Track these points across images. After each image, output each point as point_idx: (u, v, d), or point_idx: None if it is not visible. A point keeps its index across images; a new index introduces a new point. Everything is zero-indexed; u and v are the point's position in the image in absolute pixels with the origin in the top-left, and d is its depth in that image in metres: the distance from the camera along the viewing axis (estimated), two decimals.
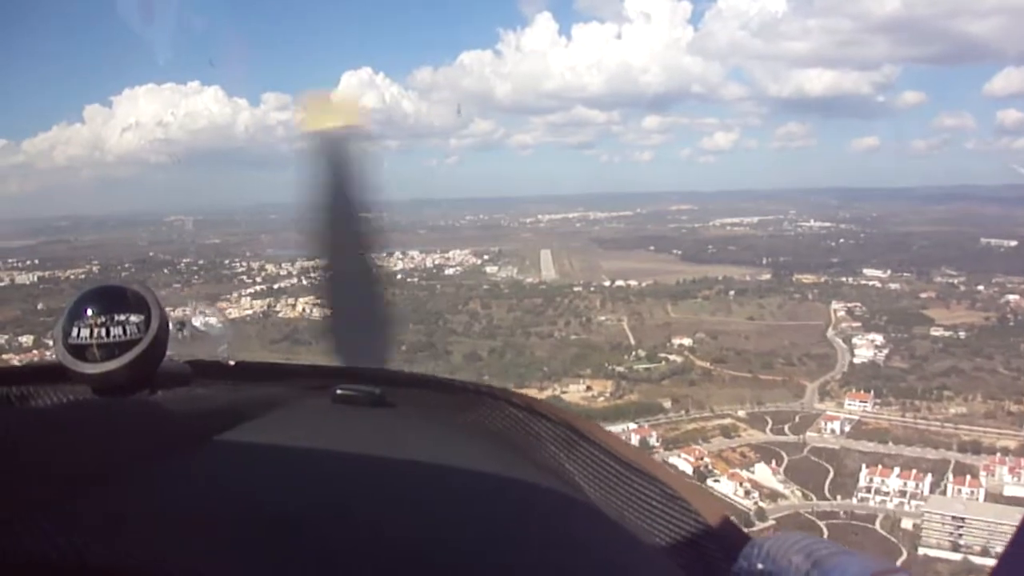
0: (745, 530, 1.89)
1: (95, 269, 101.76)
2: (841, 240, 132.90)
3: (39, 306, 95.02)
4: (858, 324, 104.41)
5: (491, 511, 1.84)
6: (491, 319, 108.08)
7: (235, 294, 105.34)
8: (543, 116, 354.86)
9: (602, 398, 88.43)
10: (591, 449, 2.13)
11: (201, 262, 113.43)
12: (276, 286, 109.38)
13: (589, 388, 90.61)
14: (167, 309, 2.38)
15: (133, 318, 2.22)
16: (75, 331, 2.18)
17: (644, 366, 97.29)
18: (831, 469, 78.13)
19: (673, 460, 74.07)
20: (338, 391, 2.40)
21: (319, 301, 4.70)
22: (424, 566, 1.50)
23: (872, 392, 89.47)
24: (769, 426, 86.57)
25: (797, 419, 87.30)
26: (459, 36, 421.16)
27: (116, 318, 2.20)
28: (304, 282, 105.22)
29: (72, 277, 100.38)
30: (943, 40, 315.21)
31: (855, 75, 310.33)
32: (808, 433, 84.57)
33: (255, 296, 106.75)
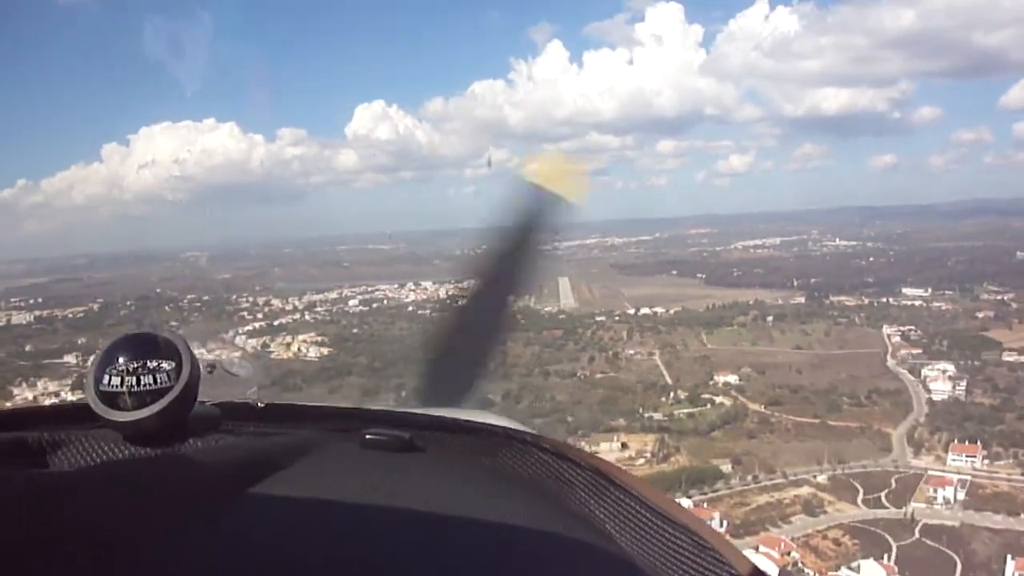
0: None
1: (95, 307, 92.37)
2: (871, 259, 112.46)
3: (27, 348, 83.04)
4: (919, 351, 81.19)
5: (522, 561, 1.65)
6: (506, 355, 77.08)
7: (231, 332, 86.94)
8: (557, 143, 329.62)
9: (643, 460, 61.00)
10: (621, 496, 1.83)
11: (206, 298, 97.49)
12: (277, 322, 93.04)
13: (625, 446, 62.91)
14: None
15: (164, 365, 1.89)
16: (107, 378, 1.86)
17: (687, 411, 70.71)
18: (957, 559, 50.25)
19: (749, 553, 43.12)
20: (367, 436, 2.12)
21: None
22: None
23: (979, 442, 62.20)
24: (860, 495, 58.47)
25: (894, 483, 59.63)
26: (471, 66, 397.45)
27: (147, 365, 1.88)
28: (308, 317, 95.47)
29: (70, 316, 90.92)
30: (959, 53, 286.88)
31: (871, 92, 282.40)
32: (913, 504, 56.42)
33: (252, 334, 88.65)
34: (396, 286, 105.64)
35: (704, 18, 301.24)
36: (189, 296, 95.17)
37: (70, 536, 1.33)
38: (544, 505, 1.87)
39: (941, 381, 72.76)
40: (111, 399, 1.84)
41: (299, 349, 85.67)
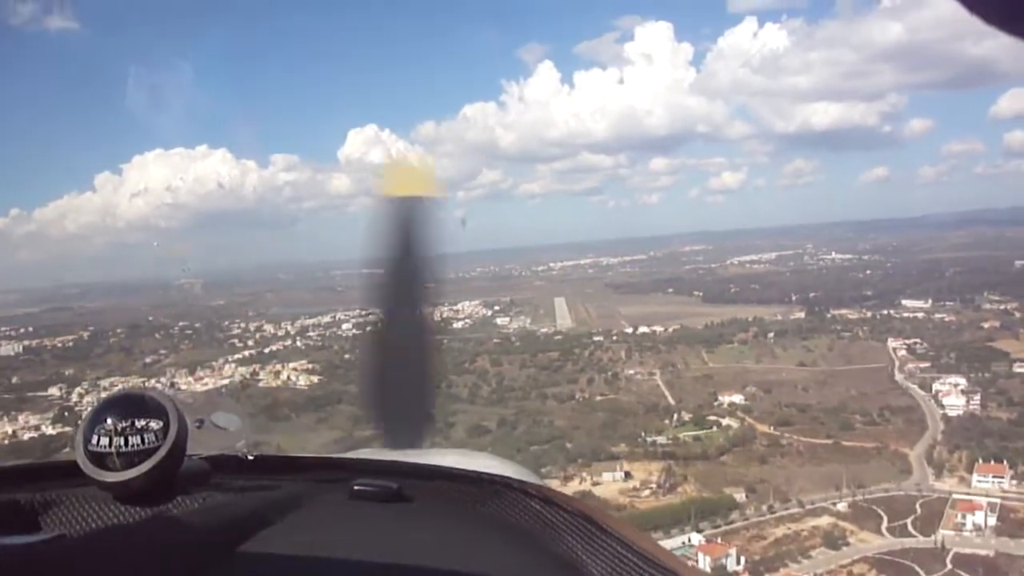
0: None
1: (85, 336, 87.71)
2: (868, 271, 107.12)
3: (13, 379, 78.13)
4: (927, 364, 75.77)
5: None
6: (501, 379, 78.37)
7: (220, 360, 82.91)
8: (549, 164, 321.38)
9: (648, 491, 54.43)
10: (609, 541, 1.83)
11: (197, 325, 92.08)
12: (268, 349, 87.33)
13: (629, 475, 56.76)
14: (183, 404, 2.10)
15: (152, 424, 1.92)
16: (95, 439, 1.89)
17: (692, 434, 65.04)
18: None
19: None
20: (355, 487, 2.13)
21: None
22: None
23: (1004, 461, 56.48)
24: (884, 523, 52.57)
25: (919, 509, 53.60)
26: (461, 89, 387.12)
27: (135, 425, 1.91)
28: (299, 343, 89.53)
29: (59, 345, 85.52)
30: (948, 64, 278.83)
31: (861, 106, 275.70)
32: (942, 531, 50.44)
33: (241, 362, 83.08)
34: (439, 313, 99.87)
35: (693, 36, 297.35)
36: (181, 323, 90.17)
37: None
38: (532, 553, 1.82)
39: (954, 396, 67.39)
40: (100, 459, 1.82)
41: (288, 377, 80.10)
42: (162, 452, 1.84)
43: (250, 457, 2.26)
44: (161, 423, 1.87)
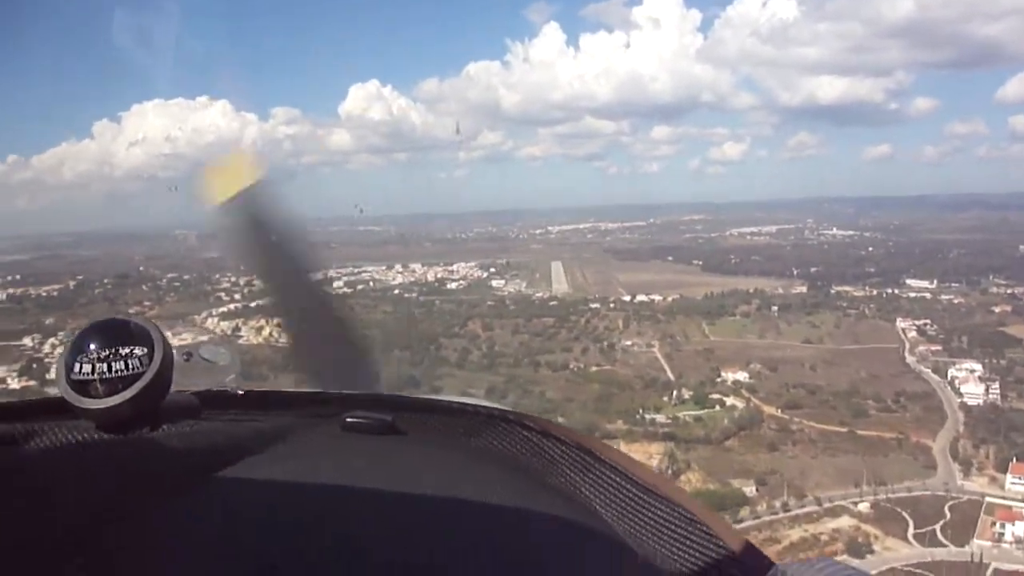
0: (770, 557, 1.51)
1: (71, 285, 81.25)
2: (870, 248, 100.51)
3: None
4: (938, 347, 68.50)
5: (507, 541, 1.57)
6: (493, 344, 70.66)
7: (204, 314, 77.35)
8: (551, 127, 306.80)
9: None
10: (607, 472, 1.70)
11: (186, 277, 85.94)
12: (254, 304, 76.27)
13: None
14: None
15: (136, 351, 1.79)
16: (77, 366, 1.76)
17: (693, 413, 56.72)
18: None
19: None
20: (347, 419, 1.95)
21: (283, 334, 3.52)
22: None
23: None
24: (911, 528, 44.52)
25: (948, 512, 45.52)
26: (466, 47, 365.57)
27: (119, 352, 1.78)
28: None
29: (44, 294, 79.11)
30: (957, 44, 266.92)
31: (868, 82, 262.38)
32: (977, 541, 42.57)
33: (224, 316, 76.76)
34: (383, 268, 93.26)
35: (702, 2, 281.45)
36: (169, 275, 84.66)
37: (36, 519, 1.28)
38: (529, 484, 1.76)
39: (972, 383, 59.82)
40: (82, 387, 1.72)
41: (270, 334, 71.94)
42: (147, 378, 1.70)
43: (240, 392, 2.08)
44: (146, 349, 1.73)
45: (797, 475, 49.07)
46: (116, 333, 1.72)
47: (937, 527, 43.78)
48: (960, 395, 58.77)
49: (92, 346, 1.68)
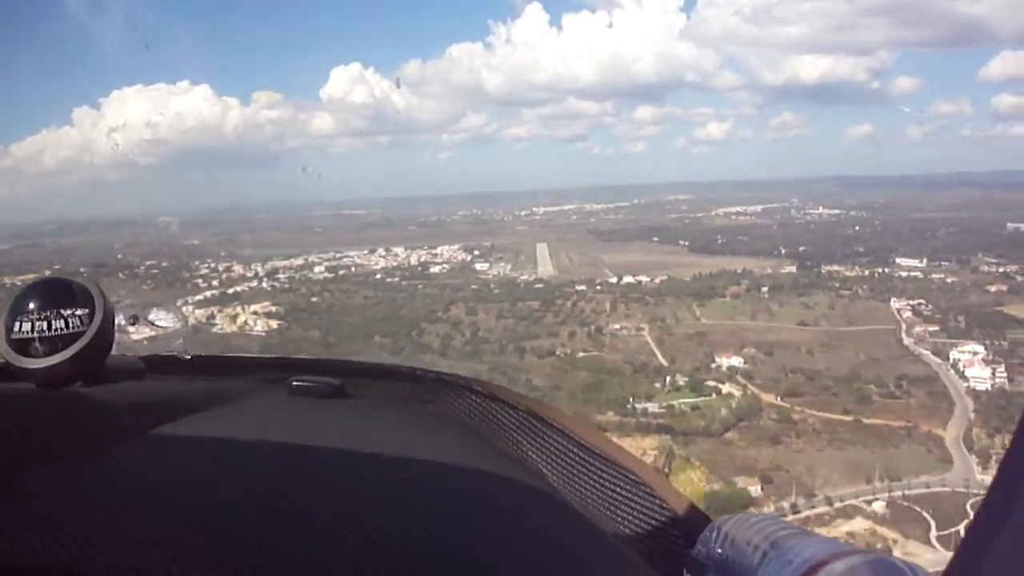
0: (708, 515, 1.58)
1: (47, 274, 60.04)
2: (857, 227, 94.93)
3: None
4: (935, 328, 63.52)
5: (451, 503, 1.52)
6: (476, 329, 66.07)
7: (179, 302, 60.95)
8: (535, 108, 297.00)
9: None
10: (554, 436, 1.78)
11: (165, 264, 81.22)
12: (231, 291, 75.41)
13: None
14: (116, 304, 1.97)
15: (78, 311, 1.80)
16: (17, 325, 1.78)
17: (688, 401, 51.99)
18: None
19: None
20: (294, 382, 2.00)
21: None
22: (379, 563, 1.21)
23: None
24: (933, 530, 39.44)
25: (969, 511, 39.34)
26: (448, 28, 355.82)
27: (60, 311, 1.79)
28: (265, 285, 77.99)
29: (19, 283, 58.78)
30: (940, 22, 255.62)
31: (850, 61, 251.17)
32: None
33: (200, 304, 70.43)
34: (366, 252, 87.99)
35: None
36: (148, 262, 79.72)
37: None
38: (476, 447, 1.77)
39: (978, 367, 54.68)
40: (22, 346, 1.72)
41: (245, 322, 67.24)
42: (87, 337, 1.68)
43: (187, 356, 2.05)
44: (87, 309, 1.71)
45: (804, 471, 44.09)
46: (56, 292, 1.68)
47: (961, 528, 38.08)
48: (965, 379, 53.80)
49: (32, 305, 1.65)
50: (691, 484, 40.95)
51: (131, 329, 1.96)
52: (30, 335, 1.64)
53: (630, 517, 1.52)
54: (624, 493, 1.52)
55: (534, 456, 1.70)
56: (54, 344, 1.64)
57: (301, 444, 1.53)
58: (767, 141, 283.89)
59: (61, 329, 1.64)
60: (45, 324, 1.64)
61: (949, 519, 39.16)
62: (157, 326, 2.06)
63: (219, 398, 1.75)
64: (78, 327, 1.65)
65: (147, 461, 1.35)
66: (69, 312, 1.67)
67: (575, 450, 1.64)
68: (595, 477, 1.59)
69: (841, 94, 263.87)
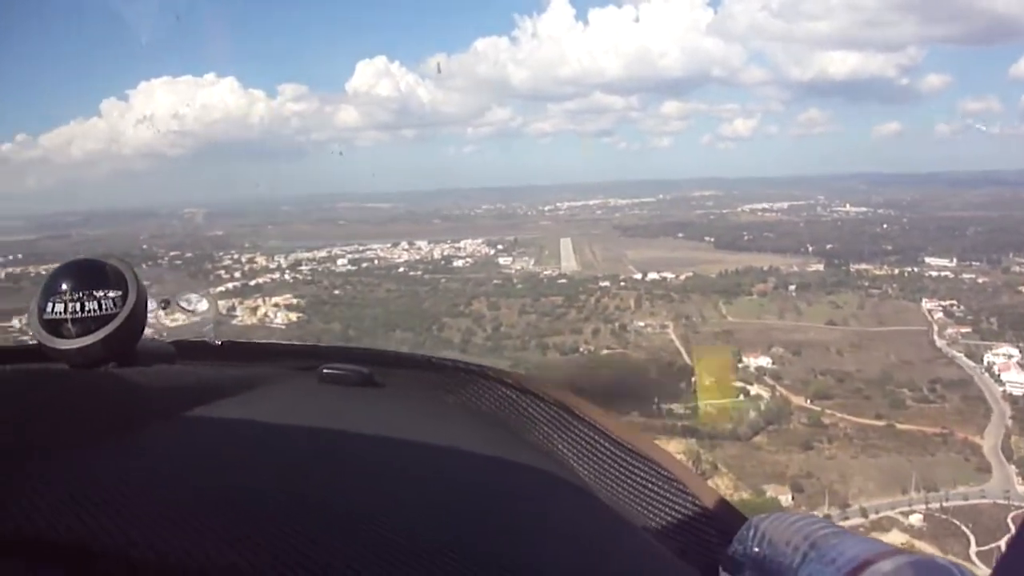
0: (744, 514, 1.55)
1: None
2: (884, 225, 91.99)
3: None
4: (967, 329, 60.86)
5: (481, 494, 1.51)
6: (498, 324, 64.29)
7: (201, 292, 57.47)
8: (561, 103, 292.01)
9: None
10: (585, 429, 1.75)
11: (188, 255, 78.40)
12: (253, 282, 73.58)
13: None
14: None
15: (111, 293, 1.79)
16: (50, 306, 1.78)
17: (714, 402, 46.83)
18: None
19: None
20: (325, 370, 1.96)
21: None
22: (407, 551, 1.19)
23: None
24: (973, 545, 36.77)
25: (1011, 525, 36.29)
26: (473, 22, 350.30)
27: (92, 293, 1.78)
28: (288, 277, 76.38)
29: (44, 273, 57.59)
30: (971, 18, 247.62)
31: (880, 57, 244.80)
32: None
33: (222, 295, 65.28)
34: (389, 245, 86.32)
35: None
36: (172, 253, 76.42)
37: None
38: (506, 439, 1.73)
39: (1014, 371, 51.89)
40: (55, 327, 1.71)
41: (266, 314, 65.59)
42: (120, 319, 1.66)
43: (218, 343, 2.01)
44: (120, 292, 1.70)
45: (837, 479, 41.77)
46: (90, 274, 1.65)
47: (1003, 543, 35.59)
48: (1001, 383, 51.27)
49: (65, 286, 1.63)
50: (718, 491, 39.00)
51: (163, 313, 1.86)
52: (63, 316, 1.59)
53: (662, 513, 1.49)
54: (656, 489, 1.49)
55: (564, 449, 1.64)
56: (87, 325, 1.59)
57: (331, 431, 1.50)
58: (793, 137, 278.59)
59: (94, 311, 1.59)
60: (78, 305, 1.58)
61: (989, 533, 36.75)
62: (188, 311, 1.96)
63: (249, 384, 1.69)
64: (111, 309, 1.60)
65: (177, 443, 1.35)
66: (102, 294, 1.60)
67: (606, 444, 1.58)
68: (627, 472, 1.54)
69: (869, 91, 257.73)
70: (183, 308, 2.08)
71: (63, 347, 1.60)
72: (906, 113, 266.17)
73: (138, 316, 1.70)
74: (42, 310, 1.67)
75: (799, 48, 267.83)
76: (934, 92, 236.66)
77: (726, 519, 1.42)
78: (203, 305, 2.11)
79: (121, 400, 1.46)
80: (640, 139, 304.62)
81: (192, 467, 1.23)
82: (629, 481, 1.55)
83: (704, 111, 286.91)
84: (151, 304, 1.82)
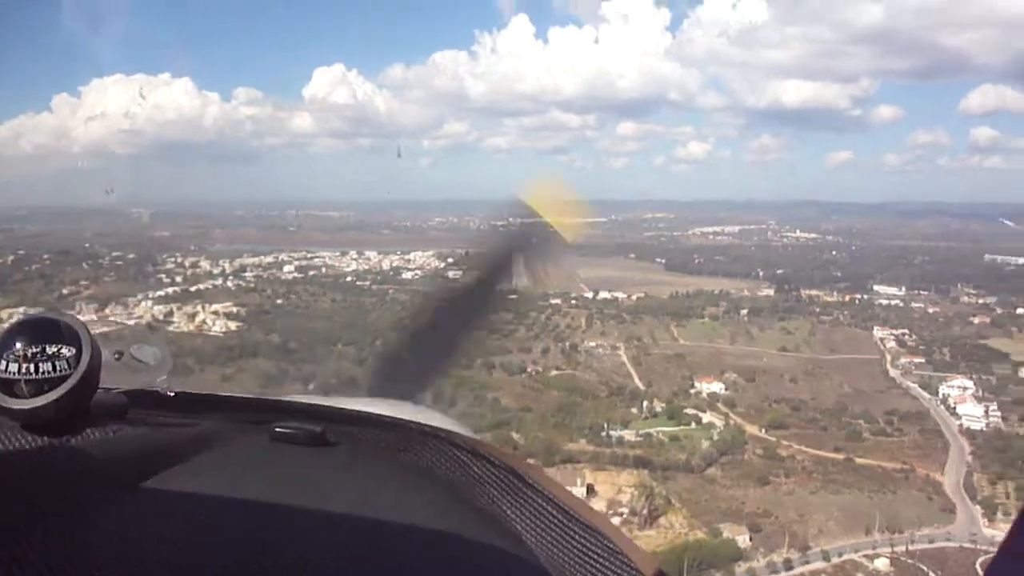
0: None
1: (10, 260, 73.03)
2: (834, 252, 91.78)
3: None
4: (920, 360, 59.38)
5: (428, 559, 1.50)
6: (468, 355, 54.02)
7: (139, 296, 67.08)
8: (517, 119, 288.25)
9: (618, 518, 34.44)
10: (533, 496, 1.67)
11: (131, 256, 75.52)
12: (193, 288, 70.23)
13: (592, 490, 35.96)
14: (91, 327, 1.78)
15: (64, 351, 1.66)
16: (3, 364, 1.64)
17: (667, 430, 46.21)
18: None
19: None
20: (277, 429, 1.88)
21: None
22: None
23: None
24: None
25: (979, 571, 33.46)
26: (433, 35, 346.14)
27: (46, 351, 1.65)
28: (230, 283, 72.67)
29: None
30: (923, 53, 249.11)
31: (834, 87, 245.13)
32: None
33: (160, 300, 66.96)
34: (338, 253, 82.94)
35: (672, 1, 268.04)
36: (114, 253, 74.82)
37: None
38: (455, 503, 1.70)
39: (970, 404, 50.01)
40: (7, 386, 1.61)
41: (204, 321, 61.51)
42: (72, 380, 1.57)
43: (170, 393, 1.97)
44: (74, 350, 1.60)
45: (796, 517, 38.57)
46: (44, 331, 1.58)
47: None
48: (957, 416, 49.38)
49: (19, 344, 1.55)
50: (672, 530, 35.42)
51: (115, 364, 1.79)
52: (16, 376, 1.50)
53: None
54: (599, 559, 1.41)
55: (512, 515, 1.56)
56: (40, 386, 1.50)
57: (283, 500, 1.48)
58: (746, 163, 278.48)
59: (48, 372, 1.51)
60: (32, 366, 1.50)
61: None
62: (141, 362, 1.87)
63: (202, 445, 1.68)
64: (64, 370, 1.52)
65: (135, 518, 1.35)
66: (55, 352, 1.52)
67: (554, 512, 1.51)
68: (571, 541, 1.47)
69: (822, 119, 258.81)
70: (137, 359, 1.87)
71: (15, 407, 1.49)
72: (857, 143, 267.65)
73: (91, 377, 1.56)
74: None
75: (755, 75, 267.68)
76: (885, 124, 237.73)
77: None
78: (157, 356, 1.91)
79: (80, 476, 1.42)
80: (595, 158, 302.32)
81: (144, 546, 1.25)
82: (574, 551, 1.45)
83: (660, 133, 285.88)
84: (105, 354, 1.64)
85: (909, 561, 35.95)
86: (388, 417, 1.94)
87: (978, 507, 39.86)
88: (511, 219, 3.51)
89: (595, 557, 1.42)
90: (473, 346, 3.65)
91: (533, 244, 3.45)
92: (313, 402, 2.28)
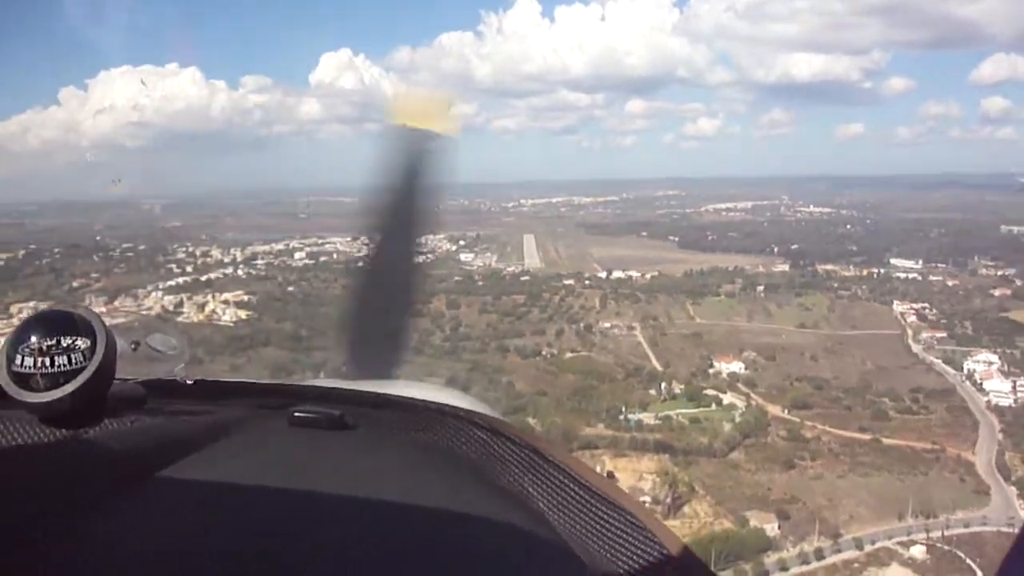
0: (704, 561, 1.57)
1: (21, 255, 71.93)
2: (848, 226, 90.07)
3: None
4: (942, 334, 56.94)
5: (450, 540, 1.49)
6: (458, 324, 57.69)
7: (149, 287, 66.03)
8: (525, 99, 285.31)
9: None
10: (556, 474, 1.64)
11: (142, 247, 74.59)
12: (204, 277, 68.98)
13: (612, 476, 32.25)
14: (108, 320, 1.75)
15: (79, 344, 1.65)
16: (19, 359, 1.63)
17: (687, 412, 43.97)
18: None
19: None
20: (296, 413, 1.85)
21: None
22: None
23: None
24: None
25: None
26: (439, 17, 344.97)
27: (61, 344, 1.64)
28: (241, 272, 71.37)
29: None
30: (934, 24, 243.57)
31: (844, 60, 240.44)
32: None
33: (170, 291, 65.65)
34: (349, 239, 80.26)
35: None
36: (125, 245, 74.09)
37: None
38: (476, 483, 1.67)
39: (996, 379, 48.05)
40: (24, 380, 1.60)
41: (213, 311, 60.05)
42: (88, 372, 1.56)
43: (188, 382, 1.94)
44: (88, 342, 1.59)
45: (825, 503, 36.62)
46: (59, 325, 1.57)
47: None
48: (984, 392, 47.38)
49: (34, 338, 1.54)
50: (697, 519, 33.54)
51: (132, 354, 1.79)
52: (31, 370, 1.49)
53: (629, 560, 1.39)
54: (623, 535, 1.39)
55: (535, 493, 1.53)
56: (55, 380, 1.49)
57: (304, 484, 1.47)
58: (756, 138, 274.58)
59: (63, 365, 1.50)
60: (47, 359, 1.49)
61: (996, 566, 31.64)
62: (158, 351, 1.87)
63: (221, 432, 1.66)
64: (80, 362, 1.51)
65: (154, 507, 1.35)
66: (70, 344, 1.51)
67: (577, 490, 1.48)
68: (595, 518, 1.43)
69: (832, 93, 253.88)
70: (153, 349, 1.85)
71: (31, 400, 1.48)
72: (868, 115, 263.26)
73: (107, 369, 1.54)
74: (10, 361, 1.50)
75: (764, 50, 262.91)
76: (896, 95, 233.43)
77: (692, 570, 1.39)
78: (173, 346, 1.89)
79: (99, 467, 1.42)
80: (604, 137, 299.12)
81: (174, 534, 1.26)
82: (597, 527, 1.40)
83: (668, 110, 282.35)
84: (121, 345, 1.61)
85: (945, 548, 34.10)
86: (406, 398, 1.87)
87: (1013, 488, 38.02)
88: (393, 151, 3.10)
89: (620, 534, 1.40)
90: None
91: (418, 155, 3.10)
92: (331, 386, 2.19)
